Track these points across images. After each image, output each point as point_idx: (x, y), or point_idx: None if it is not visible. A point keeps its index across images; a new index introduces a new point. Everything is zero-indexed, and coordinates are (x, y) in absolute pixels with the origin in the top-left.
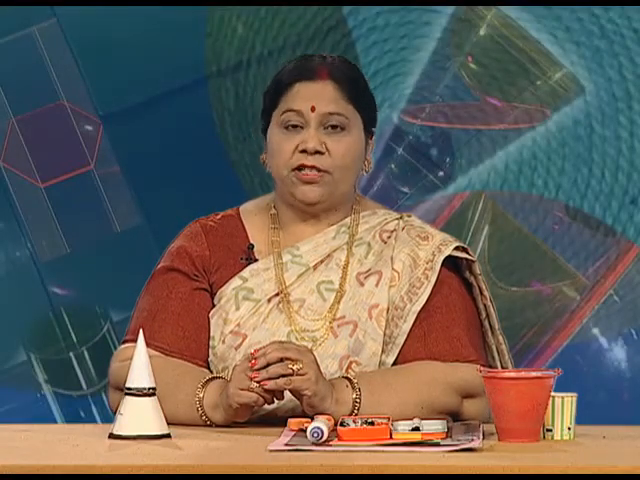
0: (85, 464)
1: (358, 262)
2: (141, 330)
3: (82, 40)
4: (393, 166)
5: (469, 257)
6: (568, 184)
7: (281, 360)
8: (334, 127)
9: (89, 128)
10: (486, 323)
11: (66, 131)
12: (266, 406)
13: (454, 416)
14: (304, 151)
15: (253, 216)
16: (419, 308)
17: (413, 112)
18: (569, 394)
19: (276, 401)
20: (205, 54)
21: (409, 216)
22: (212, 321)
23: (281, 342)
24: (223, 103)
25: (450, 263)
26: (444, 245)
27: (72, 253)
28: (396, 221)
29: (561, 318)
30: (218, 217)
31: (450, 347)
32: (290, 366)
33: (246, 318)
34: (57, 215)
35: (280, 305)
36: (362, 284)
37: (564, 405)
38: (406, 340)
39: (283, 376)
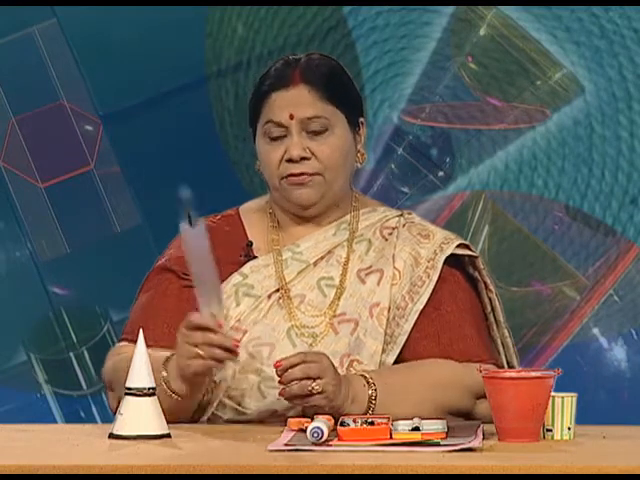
0: (85, 464)
1: (359, 258)
2: (141, 330)
3: (82, 40)
4: (393, 166)
5: (471, 253)
6: (568, 184)
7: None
8: (316, 130)
9: (89, 128)
10: (491, 317)
11: (66, 131)
12: (264, 405)
13: (465, 416)
14: (290, 160)
15: (252, 214)
16: (421, 307)
17: (413, 112)
18: (569, 394)
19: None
20: (205, 54)
21: (409, 213)
22: None
23: (304, 354)
24: (223, 103)
25: (453, 261)
26: (446, 244)
27: (72, 253)
28: (397, 218)
29: (561, 318)
30: (217, 217)
31: (464, 347)
32: (310, 387)
33: (246, 314)
34: (57, 215)
35: (280, 301)
36: (363, 281)
37: (564, 405)
38: (418, 339)
39: (301, 395)
